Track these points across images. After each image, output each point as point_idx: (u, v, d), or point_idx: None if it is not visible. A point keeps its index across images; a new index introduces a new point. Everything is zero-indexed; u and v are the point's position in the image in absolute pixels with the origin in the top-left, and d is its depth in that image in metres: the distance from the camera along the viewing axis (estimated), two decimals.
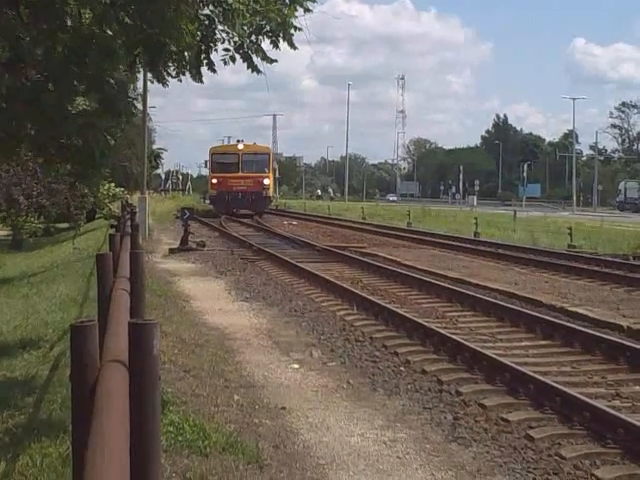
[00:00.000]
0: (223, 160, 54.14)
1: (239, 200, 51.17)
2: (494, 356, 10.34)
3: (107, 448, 2.14)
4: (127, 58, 9.21)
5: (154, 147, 68.30)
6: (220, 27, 8.96)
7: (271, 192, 55.77)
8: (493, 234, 35.94)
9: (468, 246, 28.36)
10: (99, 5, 7.92)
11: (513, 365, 9.83)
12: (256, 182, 51.44)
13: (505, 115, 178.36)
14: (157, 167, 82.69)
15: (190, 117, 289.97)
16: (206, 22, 8.91)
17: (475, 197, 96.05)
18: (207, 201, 61.77)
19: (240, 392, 9.14)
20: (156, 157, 67.34)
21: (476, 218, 37.42)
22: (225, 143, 62.66)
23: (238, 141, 56.48)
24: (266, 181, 52.42)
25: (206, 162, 58.96)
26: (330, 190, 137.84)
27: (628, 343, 11.25)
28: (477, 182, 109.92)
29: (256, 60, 9.20)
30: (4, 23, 8.54)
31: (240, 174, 52.04)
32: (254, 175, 52.08)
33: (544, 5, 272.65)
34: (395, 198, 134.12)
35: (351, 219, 49.35)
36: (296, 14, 8.97)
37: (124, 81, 10.58)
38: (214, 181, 53.06)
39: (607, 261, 23.12)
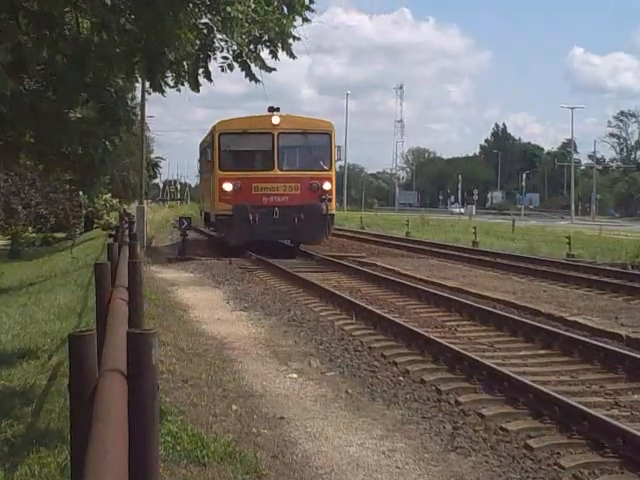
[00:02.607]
0: (242, 146, 29.30)
1: (275, 222, 27.57)
2: (493, 365, 10.33)
3: (105, 458, 2.14)
4: (125, 66, 9.24)
5: (152, 156, 68.54)
6: (219, 36, 8.99)
7: (334, 205, 29.89)
8: (492, 243, 35.95)
9: (467, 255, 28.36)
10: (99, 11, 7.94)
11: (512, 374, 9.82)
12: (307, 187, 28.18)
13: (504, 124, 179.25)
14: (155, 176, 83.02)
15: (189, 127, 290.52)
16: (205, 31, 8.94)
17: (474, 206, 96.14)
18: (210, 226, 35.13)
19: (238, 402, 9.12)
20: (154, 166, 67.58)
21: (475, 227, 37.43)
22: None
23: (271, 109, 28.79)
24: (326, 185, 28.44)
25: (205, 152, 33.03)
26: None
27: (627, 352, 11.24)
28: (476, 191, 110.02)
29: (254, 69, 9.23)
30: (4, 27, 8.56)
31: (277, 173, 28.29)
32: (303, 174, 28.60)
33: (543, 14, 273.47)
34: (463, 210, 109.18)
35: (350, 228, 49.31)
36: (295, 24, 9.00)
37: (123, 89, 10.62)
38: (226, 187, 28.00)
39: (605, 270, 23.12)
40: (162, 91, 9.51)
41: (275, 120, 28.45)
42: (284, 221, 27.57)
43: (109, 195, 49.58)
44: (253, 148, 29.68)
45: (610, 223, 76.22)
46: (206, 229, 39.91)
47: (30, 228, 41.26)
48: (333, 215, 29.57)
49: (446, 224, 54.90)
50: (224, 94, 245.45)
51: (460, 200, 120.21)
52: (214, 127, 29.58)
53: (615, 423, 7.93)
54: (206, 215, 34.95)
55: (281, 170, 28.44)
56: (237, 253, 27.58)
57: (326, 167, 29.19)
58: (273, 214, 27.64)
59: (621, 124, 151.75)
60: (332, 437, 7.98)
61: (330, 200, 28.50)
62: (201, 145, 37.43)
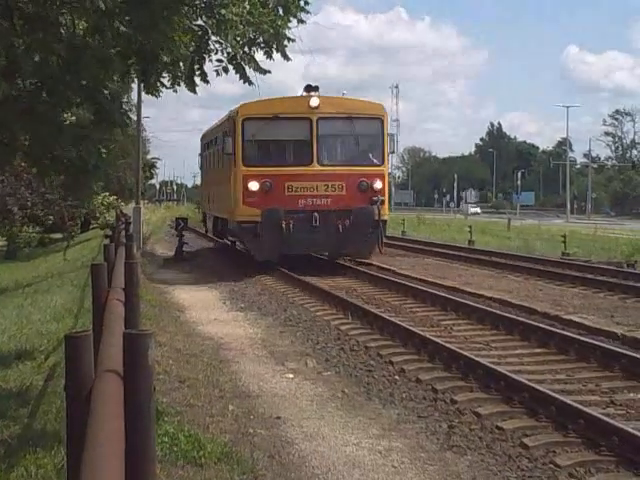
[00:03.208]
0: (272, 135, 23.54)
1: (315, 231, 22.26)
2: (489, 364, 10.35)
3: (102, 459, 2.15)
4: (120, 68, 9.25)
5: (148, 157, 68.51)
6: (213, 38, 9.00)
7: (387, 209, 23.95)
8: (487, 242, 35.97)
9: (463, 254, 28.35)
10: (94, 14, 7.95)
11: (508, 373, 9.84)
12: (354, 187, 22.79)
13: (499, 123, 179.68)
14: (151, 177, 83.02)
15: (185, 127, 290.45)
16: (199, 33, 8.95)
17: (469, 205, 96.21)
18: (227, 235, 28.63)
19: (235, 402, 9.13)
20: (151, 167, 67.58)
21: (470, 226, 37.44)
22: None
23: (308, 89, 23.40)
24: (378, 183, 22.97)
25: (215, 143, 28.56)
26: None
27: (622, 351, 11.27)
28: (471, 190, 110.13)
29: (249, 71, 9.25)
30: None
31: (316, 168, 22.73)
32: (349, 170, 23.05)
33: (539, 13, 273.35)
34: (478, 210, 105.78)
35: None
36: (289, 25, 9.02)
37: (118, 92, 10.62)
38: (252, 187, 22.51)
39: (601, 268, 23.13)
40: (157, 93, 9.52)
41: (314, 102, 22.75)
42: (326, 230, 22.18)
43: (107, 193, 49.48)
44: (286, 137, 23.96)
45: (605, 222, 76.36)
46: (209, 235, 34.82)
47: (30, 228, 41.16)
48: (386, 222, 23.80)
49: (442, 223, 54.93)
50: (221, 94, 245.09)
51: (456, 199, 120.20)
52: (236, 111, 23.47)
53: (611, 421, 7.95)
54: (216, 221, 29.57)
55: (321, 165, 22.85)
56: (263, 269, 22.66)
57: (377, 161, 23.50)
58: (312, 221, 22.16)
59: (616, 123, 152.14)
60: (328, 437, 8.00)
61: (383, 202, 22.85)
62: (206, 136, 32.51)
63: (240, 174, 22.69)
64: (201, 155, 34.91)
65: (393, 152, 24.48)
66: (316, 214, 22.16)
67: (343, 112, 23.17)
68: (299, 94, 23.70)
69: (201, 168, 36.20)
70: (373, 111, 23.89)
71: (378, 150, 23.50)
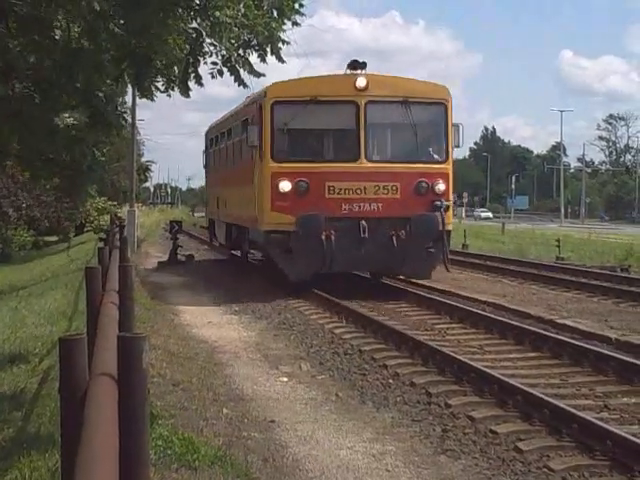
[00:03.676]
0: (309, 123, 19.05)
1: (362, 243, 17.77)
2: (483, 368, 10.35)
3: (96, 462, 2.15)
4: (114, 72, 9.26)
5: (143, 160, 68.49)
6: (208, 40, 9.01)
7: (451, 217, 19.29)
8: (481, 246, 35.98)
9: (457, 258, 28.31)
10: (89, 15, 7.96)
11: (501, 377, 9.84)
12: (412, 189, 18.35)
13: (493, 127, 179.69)
14: (146, 180, 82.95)
15: (180, 130, 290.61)
16: (193, 35, 8.96)
17: (463, 209, 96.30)
18: (248, 247, 23.54)
19: (229, 405, 9.13)
20: (145, 170, 67.50)
21: (465, 230, 37.46)
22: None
23: (354, 65, 18.62)
24: (440, 185, 18.39)
25: (232, 132, 24.28)
26: None
27: (616, 355, 11.28)
28: (465, 194, 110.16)
29: (243, 74, 9.26)
30: None
31: (364, 165, 18.27)
32: (406, 168, 18.56)
33: (534, 17, 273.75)
34: (489, 214, 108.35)
35: None
36: (284, 28, 9.03)
37: (113, 94, 10.62)
38: (283, 187, 18.02)
39: (595, 273, 23.16)
40: (151, 97, 9.53)
41: (361, 82, 18.19)
42: (376, 242, 17.86)
43: (104, 198, 49.45)
44: (326, 126, 19.59)
45: (599, 226, 76.50)
46: (215, 244, 31.28)
47: (24, 232, 41.09)
48: (450, 232, 19.12)
49: None
50: (216, 97, 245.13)
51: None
52: (264, 92, 18.47)
53: (605, 426, 7.95)
54: (229, 229, 25.11)
55: (371, 161, 18.49)
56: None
57: (439, 157, 19.02)
58: (359, 231, 17.78)
59: (610, 127, 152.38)
60: (322, 440, 8.00)
61: (447, 209, 18.46)
62: (215, 129, 28.45)
63: (268, 171, 18.34)
64: (206, 152, 30.49)
65: (458, 146, 19.54)
66: (364, 222, 17.81)
67: (397, 95, 18.53)
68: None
69: (206, 167, 31.00)
70: (435, 94, 19.06)
71: (440, 143, 19.19)
